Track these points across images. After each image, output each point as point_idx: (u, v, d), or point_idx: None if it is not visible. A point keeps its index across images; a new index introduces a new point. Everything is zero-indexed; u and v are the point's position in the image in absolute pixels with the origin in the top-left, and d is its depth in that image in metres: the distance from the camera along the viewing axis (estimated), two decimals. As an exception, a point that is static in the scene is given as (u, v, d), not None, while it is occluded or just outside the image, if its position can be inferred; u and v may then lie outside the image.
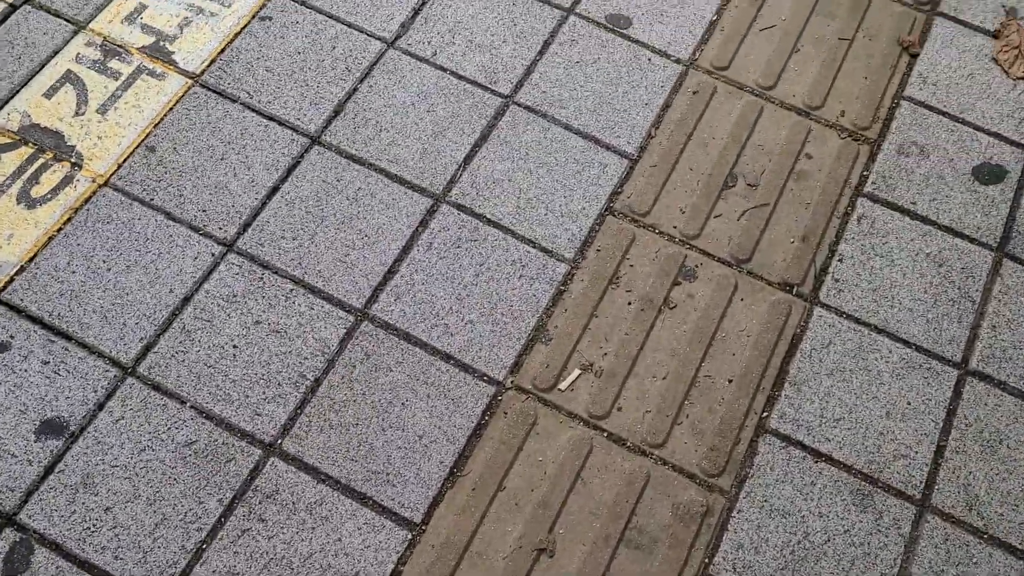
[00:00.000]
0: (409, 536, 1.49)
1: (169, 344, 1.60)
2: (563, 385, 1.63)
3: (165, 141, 1.78)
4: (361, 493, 1.51)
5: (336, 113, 1.83)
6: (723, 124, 1.90)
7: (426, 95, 1.87)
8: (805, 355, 1.67)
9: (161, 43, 1.88)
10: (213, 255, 1.68)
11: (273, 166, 1.77)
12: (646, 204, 1.80)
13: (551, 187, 1.79)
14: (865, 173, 1.86)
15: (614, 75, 1.93)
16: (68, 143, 1.76)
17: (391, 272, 1.69)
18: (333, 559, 1.46)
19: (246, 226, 1.71)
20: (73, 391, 1.54)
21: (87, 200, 1.71)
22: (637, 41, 1.97)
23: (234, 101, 1.83)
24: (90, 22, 1.89)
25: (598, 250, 1.75)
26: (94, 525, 1.45)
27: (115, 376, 1.56)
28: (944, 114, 1.93)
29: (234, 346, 1.60)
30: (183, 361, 1.58)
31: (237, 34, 1.91)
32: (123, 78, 1.83)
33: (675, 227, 1.78)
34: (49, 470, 1.49)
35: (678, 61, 1.96)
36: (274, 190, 1.75)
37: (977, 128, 1.90)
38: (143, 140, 1.77)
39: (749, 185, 1.84)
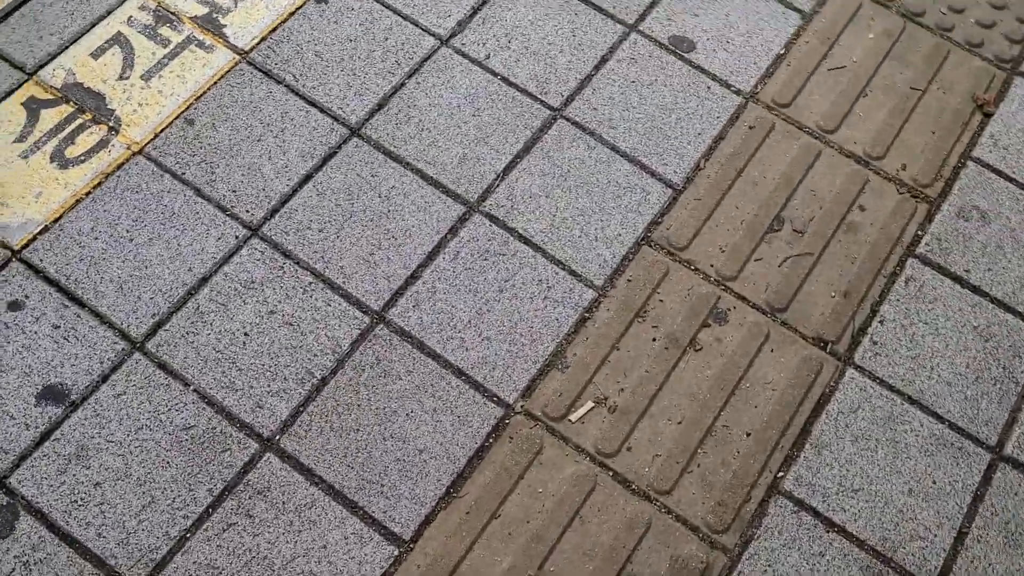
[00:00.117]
0: (396, 552, 1.45)
1: (181, 323, 1.57)
2: (574, 416, 1.57)
3: (204, 116, 1.75)
4: (353, 501, 1.47)
5: (380, 106, 1.79)
6: (776, 164, 1.82)
7: (474, 98, 1.82)
8: (831, 417, 1.60)
9: (214, 15, 1.85)
10: (237, 238, 1.65)
11: (309, 154, 1.73)
12: (685, 238, 1.73)
13: (589, 209, 1.73)
14: (920, 233, 1.77)
15: (670, 100, 1.86)
16: (108, 106, 1.74)
17: (413, 277, 1.64)
18: (315, 566, 1.42)
19: (274, 212, 1.68)
20: (79, 359, 1.53)
21: (119, 167, 1.69)
22: (698, 67, 1.90)
23: (279, 82, 1.79)
24: (147, -15, 1.88)
25: (629, 280, 1.69)
26: (82, 499, 1.43)
27: (123, 349, 1.54)
28: (1012, 180, 1.83)
29: (245, 334, 1.57)
30: (192, 343, 1.56)
31: (292, 14, 1.87)
32: (171, 46, 1.80)
33: (712, 266, 1.71)
34: (45, 437, 1.47)
35: (738, 92, 1.88)
36: (307, 178, 1.71)
37: (1045, 200, 1.81)
38: (183, 112, 1.75)
39: (795, 231, 1.76)
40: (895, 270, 1.74)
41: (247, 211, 1.67)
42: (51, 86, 1.75)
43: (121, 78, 1.76)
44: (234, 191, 1.69)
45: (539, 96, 1.83)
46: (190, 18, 1.84)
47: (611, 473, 1.54)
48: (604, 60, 1.89)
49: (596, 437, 1.56)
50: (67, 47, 1.79)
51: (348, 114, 1.78)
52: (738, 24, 1.95)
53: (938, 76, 1.94)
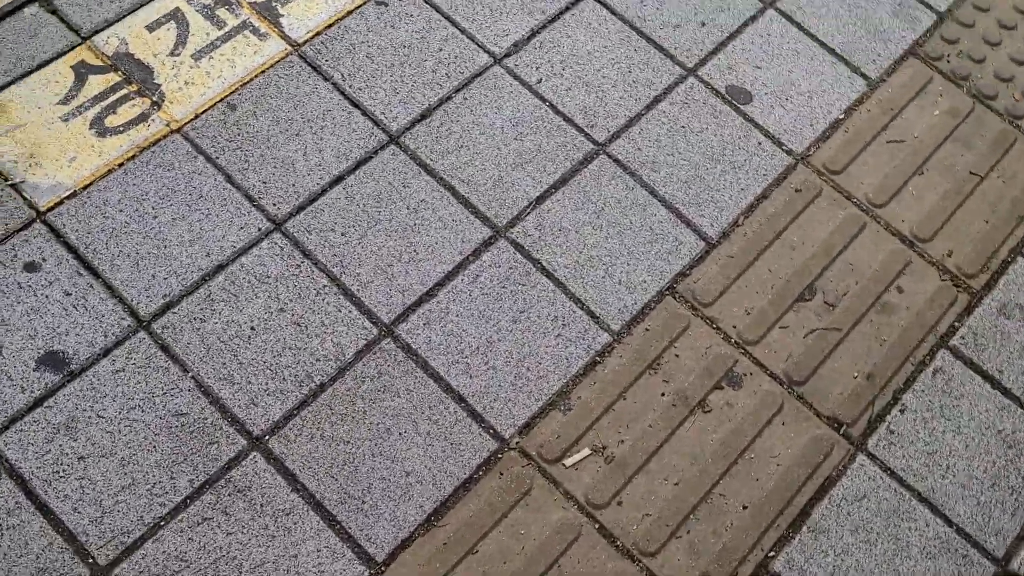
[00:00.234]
0: (366, 573, 1.42)
1: (190, 308, 1.56)
2: (569, 461, 1.53)
3: (247, 103, 1.74)
4: (331, 514, 1.45)
5: (423, 117, 1.77)
6: (818, 231, 1.76)
7: (518, 122, 1.79)
8: (834, 502, 1.53)
9: (273, 3, 1.84)
10: (259, 229, 1.63)
11: (344, 155, 1.71)
12: (711, 294, 1.68)
13: (617, 251, 1.69)
14: (956, 324, 1.70)
15: (717, 150, 1.81)
16: (155, 80, 1.74)
17: (428, 295, 1.62)
18: (283, 575, 1.40)
19: (300, 209, 1.66)
20: (84, 330, 1.52)
21: (155, 142, 1.69)
22: (752, 120, 1.85)
23: (326, 79, 1.78)
24: (213, -35, 1.88)
25: (647, 329, 1.64)
26: (64, 471, 1.43)
27: (129, 326, 1.53)
28: (1062, 283, 1.75)
29: (252, 328, 1.56)
30: (198, 329, 1.55)
31: (350, 12, 1.86)
32: (226, 29, 1.80)
33: (735, 327, 1.66)
34: (39, 403, 1.47)
35: (789, 152, 1.83)
36: (338, 179, 1.69)
37: (1095, 308, 1.72)
38: (226, 96, 1.74)
39: (827, 303, 1.70)
40: (924, 359, 1.67)
41: (274, 204, 1.66)
42: (103, 53, 1.75)
43: (172, 54, 1.77)
44: (264, 182, 1.67)
45: (585, 128, 1.80)
46: (249, 3, 1.84)
47: (597, 525, 1.49)
48: (657, 100, 1.84)
49: (588, 486, 1.52)
50: (124, 16, 1.80)
51: (390, 121, 1.76)
52: (800, 82, 1.90)
53: (1000, 164, 1.87)
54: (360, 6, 1.87)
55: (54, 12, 1.78)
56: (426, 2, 1.89)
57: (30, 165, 1.63)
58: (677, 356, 1.63)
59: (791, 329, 1.67)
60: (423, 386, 1.55)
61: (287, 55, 1.80)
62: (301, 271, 1.61)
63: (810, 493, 1.54)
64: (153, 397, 1.49)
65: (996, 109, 1.93)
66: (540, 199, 1.72)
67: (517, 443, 1.53)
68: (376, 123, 1.75)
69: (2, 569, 1.36)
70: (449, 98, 1.80)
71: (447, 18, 1.87)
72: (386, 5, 1.87)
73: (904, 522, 1.53)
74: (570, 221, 1.71)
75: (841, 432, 1.60)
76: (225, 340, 1.54)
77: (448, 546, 1.45)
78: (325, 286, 1.60)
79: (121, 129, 1.69)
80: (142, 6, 1.81)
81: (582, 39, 1.89)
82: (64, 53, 1.74)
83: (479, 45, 1.86)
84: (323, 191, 1.68)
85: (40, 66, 1.73)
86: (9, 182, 1.62)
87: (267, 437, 1.49)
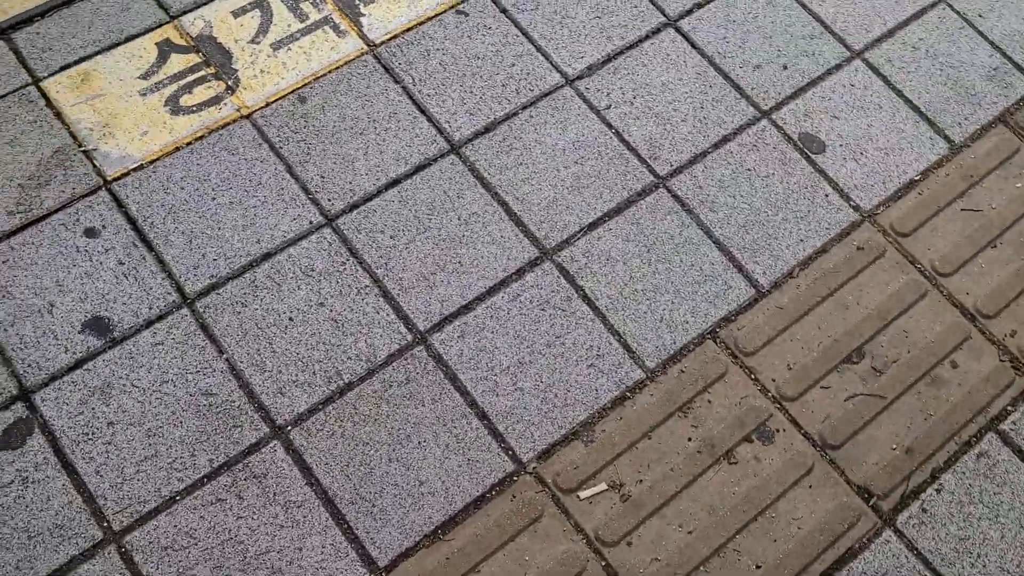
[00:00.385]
0: (366, 576, 1.42)
1: (233, 292, 1.59)
2: (584, 493, 1.51)
3: (317, 97, 1.77)
4: (341, 513, 1.46)
5: (487, 130, 1.77)
6: (875, 293, 1.70)
7: (581, 145, 1.77)
8: (852, 575, 1.48)
9: (356, 2, 1.87)
10: (311, 223, 1.66)
11: (404, 159, 1.73)
12: (754, 344, 1.64)
13: (663, 287, 1.66)
14: (1009, 408, 1.63)
15: (781, 197, 1.76)
16: (232, 66, 1.78)
17: (467, 308, 1.62)
18: (286, 566, 1.41)
19: (353, 207, 1.68)
20: (131, 300, 1.57)
21: (224, 126, 1.73)
22: (822, 171, 1.80)
23: (397, 82, 1.80)
24: (304, -41, 1.92)
25: (682, 371, 1.61)
26: (93, 434, 1.47)
27: (173, 301, 1.57)
28: None
29: (290, 318, 1.58)
30: (238, 313, 1.58)
31: (430, 18, 1.88)
32: (308, 22, 1.84)
33: (774, 380, 1.62)
34: (79, 364, 1.52)
35: (856, 208, 1.77)
36: (394, 182, 1.71)
37: None
38: (298, 88, 1.77)
39: (874, 369, 1.64)
40: (970, 440, 1.60)
41: (328, 200, 1.68)
42: (187, 33, 1.81)
43: (252, 41, 1.81)
44: (322, 177, 1.70)
45: (647, 159, 1.77)
46: (334, 0, 1.87)
47: (604, 563, 1.47)
48: (725, 140, 1.81)
49: (600, 521, 1.49)
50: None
51: (453, 130, 1.76)
52: (878, 138, 1.84)
53: (1081, 246, 1.78)
54: (441, 13, 1.88)
55: (148, -11, 1.84)
56: (507, 16, 1.89)
57: (104, 134, 1.69)
58: (710, 402, 1.59)
59: (833, 390, 1.62)
60: (448, 398, 1.55)
61: (362, 54, 1.82)
62: (345, 269, 1.63)
63: (829, 562, 1.49)
64: (186, 374, 1.52)
65: (1084, 188, 1.84)
66: (592, 225, 1.71)
67: (534, 468, 1.52)
68: (440, 130, 1.76)
69: (23, 520, 1.41)
70: (515, 114, 1.79)
71: (524, 34, 1.87)
72: (467, 15, 1.88)
73: (924, 607, 1.46)
74: (619, 251, 1.69)
75: (870, 503, 1.54)
76: (263, 327, 1.57)
77: (451, 561, 1.45)
78: (367, 286, 1.62)
79: (194, 109, 1.73)
80: (231, -8, 1.86)
81: (658, 69, 1.87)
82: (151, 29, 1.80)
83: (553, 64, 1.85)
84: (378, 192, 1.70)
85: (127, 39, 1.79)
86: (83, 148, 1.68)
87: (289, 428, 1.51)
